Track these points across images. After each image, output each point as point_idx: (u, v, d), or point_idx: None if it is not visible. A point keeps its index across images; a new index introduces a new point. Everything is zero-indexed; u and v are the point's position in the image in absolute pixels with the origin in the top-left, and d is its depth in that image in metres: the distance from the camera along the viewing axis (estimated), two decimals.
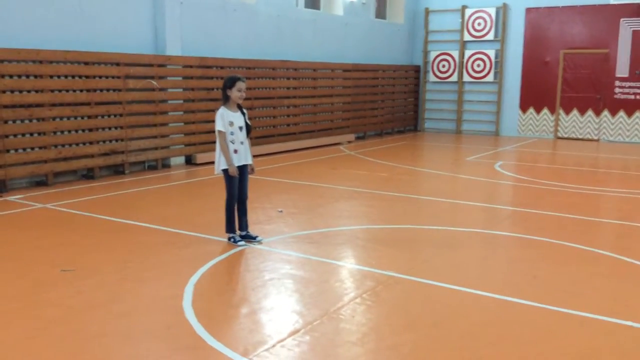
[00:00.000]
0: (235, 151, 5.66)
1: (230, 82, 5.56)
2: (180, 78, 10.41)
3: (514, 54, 16.18)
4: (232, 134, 5.62)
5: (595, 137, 15.43)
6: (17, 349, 3.60)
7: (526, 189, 9.14)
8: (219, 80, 10.95)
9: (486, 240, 6.25)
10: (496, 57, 16.38)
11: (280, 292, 4.61)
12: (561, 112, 15.74)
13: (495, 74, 16.45)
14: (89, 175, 9.17)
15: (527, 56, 16.00)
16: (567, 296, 4.58)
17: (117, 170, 9.63)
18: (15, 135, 8.13)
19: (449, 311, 4.28)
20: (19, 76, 8.10)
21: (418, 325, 4.02)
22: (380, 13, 17.04)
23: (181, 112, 10.52)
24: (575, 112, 15.58)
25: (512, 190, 9.29)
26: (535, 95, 16.01)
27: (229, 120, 5.59)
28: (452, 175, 10.32)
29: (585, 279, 5.03)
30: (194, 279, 4.82)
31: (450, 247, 5.94)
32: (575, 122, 15.63)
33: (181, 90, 10.46)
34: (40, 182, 8.58)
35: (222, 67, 11.12)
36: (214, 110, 10.60)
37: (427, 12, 17.22)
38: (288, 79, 12.84)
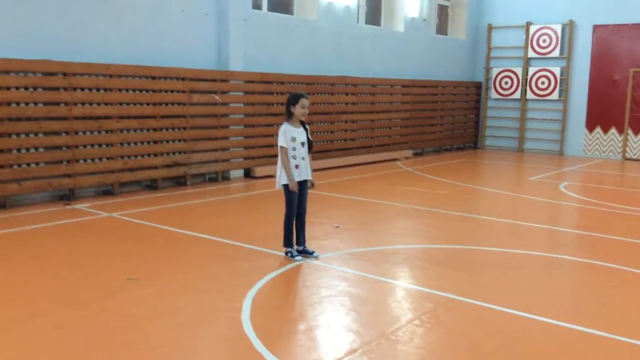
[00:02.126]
0: (297, 166, 5.70)
1: (294, 99, 5.63)
2: (241, 93, 10.61)
3: (580, 72, 15.68)
4: (294, 149, 5.67)
5: None
6: (82, 357, 3.71)
7: (593, 211, 8.79)
8: (279, 95, 11.11)
9: (550, 264, 6.03)
10: (561, 74, 15.91)
11: (337, 310, 4.58)
12: (630, 132, 15.11)
13: (561, 91, 15.97)
14: (152, 185, 9.44)
15: (594, 74, 15.48)
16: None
17: (179, 181, 9.88)
18: (84, 146, 8.47)
19: (512, 337, 4.14)
20: (90, 89, 8.45)
21: (479, 351, 3.90)
22: (442, 29, 16.89)
23: (242, 126, 10.70)
24: None
25: (577, 213, 8.95)
26: (602, 114, 15.43)
27: (291, 136, 5.64)
28: (515, 195, 10.04)
29: None
30: (252, 292, 4.86)
31: (512, 270, 5.76)
32: None
33: (242, 104, 10.65)
34: (107, 192, 8.89)
35: (282, 83, 11.27)
36: (273, 125, 10.91)
37: (490, 28, 16.95)
38: (347, 94, 12.88)
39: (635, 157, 15.12)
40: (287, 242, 5.89)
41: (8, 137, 7.66)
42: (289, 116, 5.72)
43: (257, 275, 5.28)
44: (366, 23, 14.15)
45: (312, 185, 5.95)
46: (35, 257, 5.74)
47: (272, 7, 11.93)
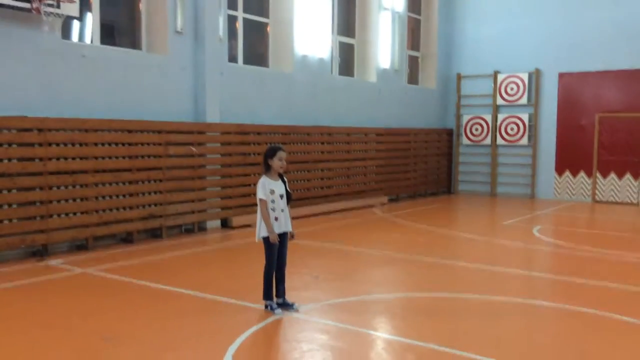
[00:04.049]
0: (276, 219, 5.71)
1: (272, 152, 5.70)
2: (218, 144, 10.67)
3: (548, 118, 16.16)
4: (273, 202, 5.70)
5: (635, 201, 15.08)
6: None
7: (567, 256, 8.92)
8: (255, 145, 11.20)
9: (528, 311, 6.07)
10: (530, 120, 16.37)
11: None
12: (598, 175, 15.51)
13: (530, 137, 16.40)
14: (127, 239, 9.32)
15: (561, 120, 15.97)
16: None
17: (155, 233, 9.77)
18: (58, 201, 8.36)
19: None
20: (65, 144, 8.40)
21: None
22: (413, 79, 17.33)
23: (218, 177, 10.72)
24: (612, 175, 15.33)
25: (552, 257, 9.07)
26: (571, 158, 15.85)
27: (270, 189, 5.68)
28: (490, 240, 10.15)
29: None
30: (232, 348, 4.78)
31: (491, 317, 5.79)
32: (614, 186, 15.35)
33: (219, 155, 10.70)
34: (81, 246, 8.74)
35: (258, 133, 11.37)
36: (250, 175, 10.95)
37: (459, 77, 17.46)
38: (322, 143, 13.04)
39: (604, 199, 15.47)
40: (267, 295, 5.84)
41: None
42: (267, 169, 5.77)
43: (237, 330, 5.21)
44: (340, 74, 14.46)
45: (292, 236, 5.96)
46: (6, 318, 5.58)
47: (248, 60, 12.16)
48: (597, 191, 15.56)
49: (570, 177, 15.89)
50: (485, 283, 7.25)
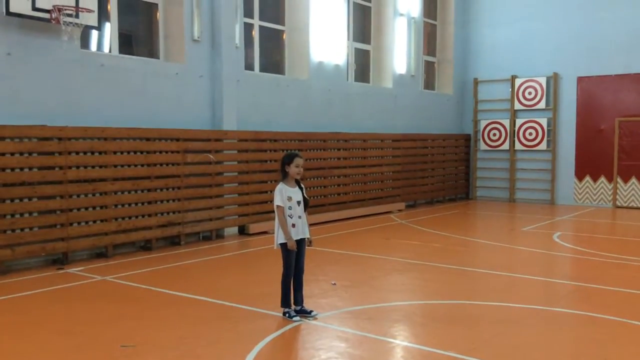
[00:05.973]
0: (293, 225, 5.72)
1: (289, 159, 5.72)
2: (235, 151, 10.71)
3: (567, 122, 15.99)
4: (290, 208, 5.71)
5: None
6: None
7: (588, 262, 8.79)
8: (272, 152, 11.24)
9: (548, 318, 5.99)
10: (548, 125, 16.21)
11: None
12: (619, 180, 15.29)
13: (548, 142, 16.23)
14: (146, 246, 9.38)
15: (580, 124, 15.78)
16: None
17: (173, 241, 9.83)
18: (78, 209, 8.45)
19: None
20: (85, 153, 8.50)
21: None
22: (429, 84, 17.28)
23: (235, 184, 10.76)
24: (634, 180, 15.10)
25: (573, 263, 8.95)
26: (591, 163, 15.65)
27: (287, 196, 5.70)
28: (509, 247, 10.05)
29: None
30: (251, 356, 4.78)
31: (511, 325, 5.72)
32: (635, 191, 15.11)
33: (236, 162, 10.74)
34: (100, 254, 8.81)
35: (275, 140, 11.41)
36: (267, 182, 10.98)
37: (476, 82, 17.35)
38: (339, 149, 13.04)
39: (625, 204, 15.25)
40: (285, 302, 5.83)
41: (2, 203, 7.64)
42: (284, 176, 5.78)
43: (255, 337, 5.20)
44: (356, 80, 14.46)
45: (310, 243, 5.95)
46: (26, 325, 5.63)
47: (264, 68, 12.21)
48: (617, 197, 15.34)
49: (591, 182, 15.69)
50: (504, 290, 7.17)
